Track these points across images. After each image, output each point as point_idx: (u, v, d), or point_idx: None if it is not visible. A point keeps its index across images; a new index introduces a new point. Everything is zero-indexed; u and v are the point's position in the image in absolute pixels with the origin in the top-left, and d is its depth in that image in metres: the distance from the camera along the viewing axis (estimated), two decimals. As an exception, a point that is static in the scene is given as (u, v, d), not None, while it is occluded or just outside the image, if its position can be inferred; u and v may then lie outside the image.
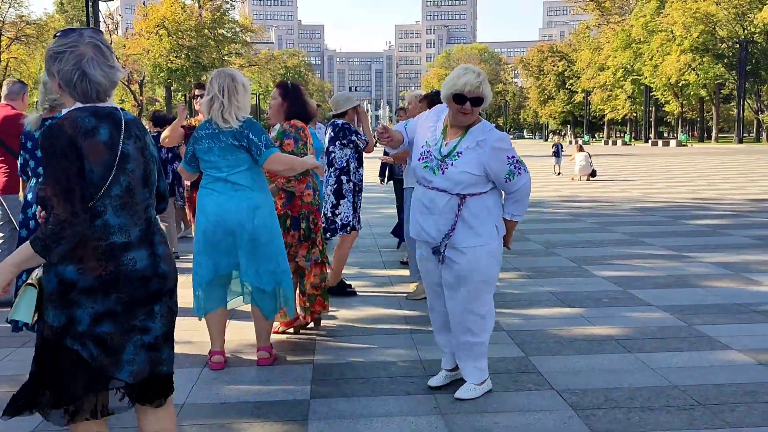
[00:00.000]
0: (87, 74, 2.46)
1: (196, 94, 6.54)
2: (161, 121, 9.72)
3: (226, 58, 55.59)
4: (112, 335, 2.51)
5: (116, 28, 56.27)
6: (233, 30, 56.47)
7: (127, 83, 50.97)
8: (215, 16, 51.46)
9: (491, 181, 3.87)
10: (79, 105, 2.51)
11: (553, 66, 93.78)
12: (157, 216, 2.73)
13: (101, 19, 48.57)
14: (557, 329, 5.50)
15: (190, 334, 5.47)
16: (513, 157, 3.85)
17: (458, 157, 3.82)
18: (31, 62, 53.80)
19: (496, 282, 4.26)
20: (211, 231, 4.49)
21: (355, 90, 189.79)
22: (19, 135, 5.78)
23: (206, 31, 50.93)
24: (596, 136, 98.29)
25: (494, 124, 9.73)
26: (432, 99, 6.75)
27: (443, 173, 3.83)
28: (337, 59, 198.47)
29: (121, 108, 2.64)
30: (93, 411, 2.55)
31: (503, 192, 3.96)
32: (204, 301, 4.64)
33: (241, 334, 5.46)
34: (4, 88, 6.37)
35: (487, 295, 4.01)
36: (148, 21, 49.07)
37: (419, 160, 3.92)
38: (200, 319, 4.74)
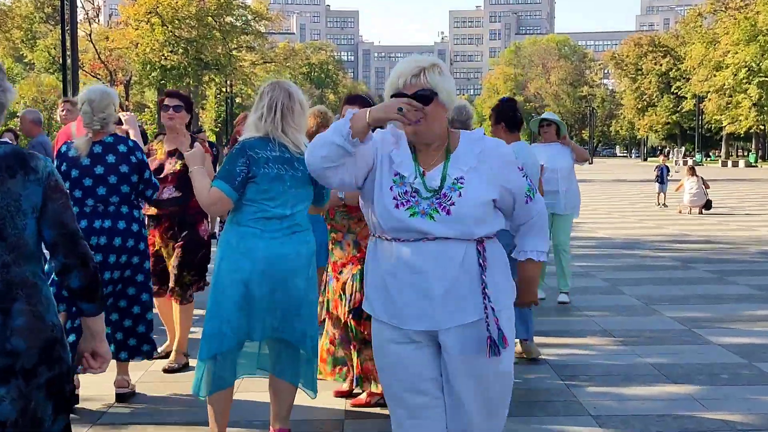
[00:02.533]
0: None
1: (169, 105, 6.49)
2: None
3: (234, 53, 56.46)
4: None
5: (97, 15, 57.72)
6: (244, 18, 57.48)
7: (109, 84, 52.10)
8: (221, 2, 52.43)
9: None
10: None
11: (655, 64, 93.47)
12: (37, 277, 2.79)
13: (79, 4, 49.82)
14: (660, 415, 5.46)
15: (186, 406, 5.52)
16: (522, 168, 3.45)
17: (461, 183, 3.29)
18: (-11, 57, 55.32)
19: None
20: (257, 282, 4.55)
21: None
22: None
23: (210, 19, 51.83)
24: (711, 154, 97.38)
25: (571, 139, 9.83)
26: (502, 111, 6.72)
27: (448, 213, 3.24)
28: (375, 54, 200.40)
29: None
30: None
31: (512, 224, 3.53)
32: (215, 374, 4.63)
33: (240, 411, 5.50)
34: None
35: (509, 398, 3.52)
36: (137, 7, 50.11)
37: (397, 207, 3.27)
38: (201, 398, 4.78)
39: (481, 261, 3.27)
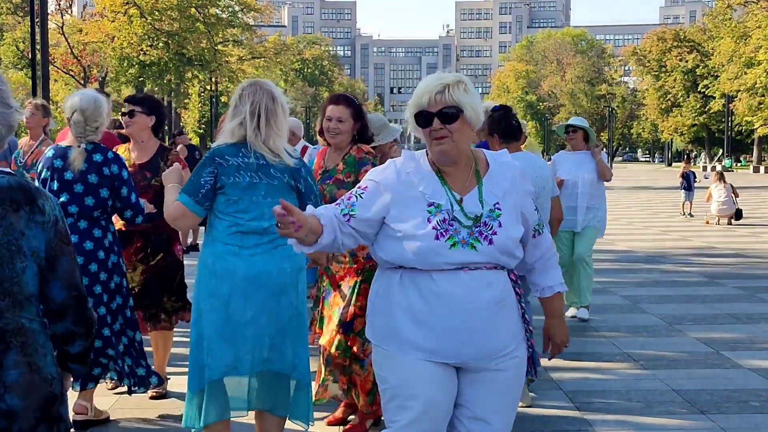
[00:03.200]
0: None
1: (124, 111, 6.41)
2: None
3: (219, 47, 56.50)
4: None
5: (70, 5, 57.78)
6: (230, 9, 57.62)
7: (82, 82, 52.19)
8: (206, -10, 52.69)
9: None
10: None
11: (680, 60, 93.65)
12: (33, 325, 2.72)
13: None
14: (684, 446, 5.44)
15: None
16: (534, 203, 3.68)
17: (499, 209, 3.46)
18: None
19: None
20: (239, 304, 4.51)
21: (399, 92, 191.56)
22: None
23: (193, 10, 51.89)
24: (742, 159, 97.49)
25: (596, 143, 9.81)
26: (494, 122, 6.65)
27: (491, 242, 3.40)
28: (374, 49, 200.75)
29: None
30: None
31: (525, 261, 3.66)
32: (206, 408, 4.59)
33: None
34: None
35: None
36: (114, -3, 50.42)
37: (438, 238, 3.37)
38: (188, 427, 4.75)
39: (517, 289, 3.50)
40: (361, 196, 3.45)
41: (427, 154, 3.53)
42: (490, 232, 3.39)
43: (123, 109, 6.43)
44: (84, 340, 2.85)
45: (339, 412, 5.83)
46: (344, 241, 3.42)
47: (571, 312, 9.38)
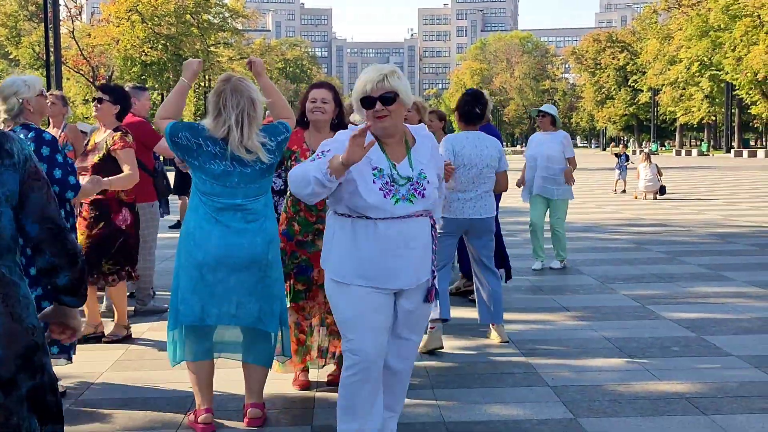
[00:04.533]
0: None
1: (95, 96, 6.67)
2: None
3: (212, 49, 56.09)
4: None
5: (80, 12, 57.05)
6: (221, 15, 57.19)
7: (91, 80, 51.58)
8: (199, 0, 52.13)
9: None
10: None
11: (613, 59, 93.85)
12: (12, 274, 2.48)
13: (62, 2, 49.23)
14: (614, 385, 5.49)
15: (155, 388, 5.49)
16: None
17: (424, 172, 3.88)
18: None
19: None
20: (210, 269, 4.51)
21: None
22: (144, 141, 7.44)
23: (188, 16, 51.53)
24: (666, 144, 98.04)
25: (563, 132, 10.03)
26: (458, 105, 6.71)
27: (423, 196, 3.85)
28: (348, 50, 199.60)
29: None
30: None
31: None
32: (184, 345, 4.65)
33: (222, 384, 5.47)
34: None
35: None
36: (118, 4, 49.68)
37: (385, 197, 3.77)
38: (172, 366, 4.77)
39: (433, 233, 3.98)
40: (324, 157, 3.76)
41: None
42: (421, 188, 3.84)
43: (94, 94, 6.60)
44: (68, 271, 2.57)
45: (303, 376, 5.56)
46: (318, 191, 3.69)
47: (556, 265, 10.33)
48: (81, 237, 6.53)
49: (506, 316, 7.32)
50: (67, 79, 55.25)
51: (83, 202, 6.50)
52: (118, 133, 6.50)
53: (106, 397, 5.37)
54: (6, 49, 63.35)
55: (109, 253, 6.60)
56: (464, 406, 5.09)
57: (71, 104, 61.67)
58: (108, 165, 6.42)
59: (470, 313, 7.43)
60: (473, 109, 6.53)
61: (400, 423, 4.57)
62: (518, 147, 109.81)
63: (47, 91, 6.81)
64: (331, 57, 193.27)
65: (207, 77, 57.29)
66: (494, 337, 6.67)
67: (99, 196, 6.50)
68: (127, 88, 7.27)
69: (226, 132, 4.48)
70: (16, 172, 2.46)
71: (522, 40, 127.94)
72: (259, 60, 5.05)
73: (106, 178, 6.13)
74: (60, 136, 7.34)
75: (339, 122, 5.33)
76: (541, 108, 10.35)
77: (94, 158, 6.51)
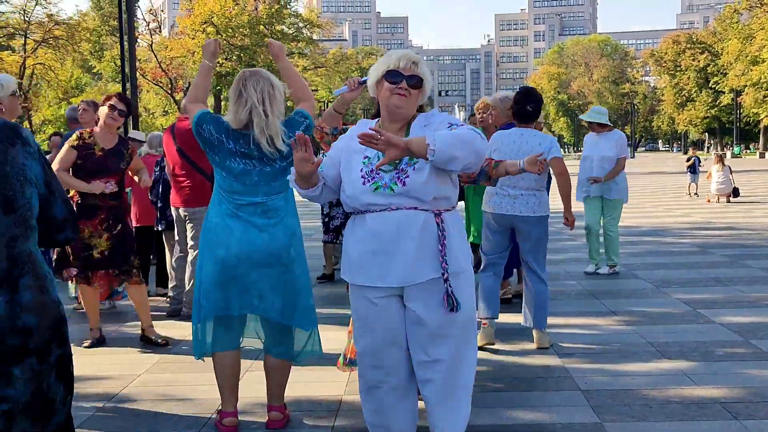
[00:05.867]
0: None
1: (119, 107, 6.85)
2: None
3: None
4: None
5: (159, 26, 58.25)
6: (295, 26, 57.71)
7: (169, 91, 52.62)
8: (273, 10, 52.66)
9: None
10: None
11: (693, 60, 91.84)
12: (37, 251, 2.67)
13: (141, 16, 50.29)
14: (648, 389, 5.37)
15: (190, 390, 5.57)
16: (458, 125, 3.65)
17: (416, 159, 3.57)
18: (61, 69, 56.17)
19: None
20: (232, 265, 4.56)
21: (446, 94, 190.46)
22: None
23: (261, 27, 52.10)
24: (751, 147, 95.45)
25: (619, 132, 9.93)
26: (516, 102, 6.67)
27: (404, 184, 3.58)
28: (424, 57, 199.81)
29: None
30: None
31: None
32: (208, 338, 4.70)
33: (250, 390, 5.52)
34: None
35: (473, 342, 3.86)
36: (194, 17, 50.61)
37: (364, 184, 3.64)
38: (197, 359, 4.82)
39: (439, 231, 3.61)
40: (327, 156, 3.83)
41: (376, 123, 3.82)
42: (404, 176, 3.60)
43: (113, 103, 6.79)
44: (73, 242, 2.94)
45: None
46: (326, 194, 3.80)
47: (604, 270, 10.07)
48: (100, 239, 6.73)
49: (550, 320, 7.24)
50: (147, 91, 56.58)
51: (99, 205, 6.72)
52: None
53: (139, 398, 5.47)
54: (90, 63, 65.16)
55: (133, 249, 6.88)
56: (489, 410, 5.04)
57: (151, 115, 63.00)
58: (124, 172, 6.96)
59: (511, 317, 7.37)
60: (524, 107, 6.50)
61: (420, 423, 4.57)
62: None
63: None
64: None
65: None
66: (535, 342, 6.59)
67: (113, 203, 6.75)
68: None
69: (248, 114, 4.52)
70: (35, 159, 2.68)
71: (600, 44, 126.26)
72: (278, 42, 5.08)
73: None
74: None
75: None
76: (581, 116, 10.38)
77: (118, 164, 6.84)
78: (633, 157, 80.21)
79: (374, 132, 3.31)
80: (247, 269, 4.56)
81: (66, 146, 6.74)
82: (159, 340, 6.89)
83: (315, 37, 62.84)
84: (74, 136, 6.80)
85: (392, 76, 3.65)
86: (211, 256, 4.60)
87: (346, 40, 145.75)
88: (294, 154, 3.53)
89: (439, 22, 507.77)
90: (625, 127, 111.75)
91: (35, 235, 2.66)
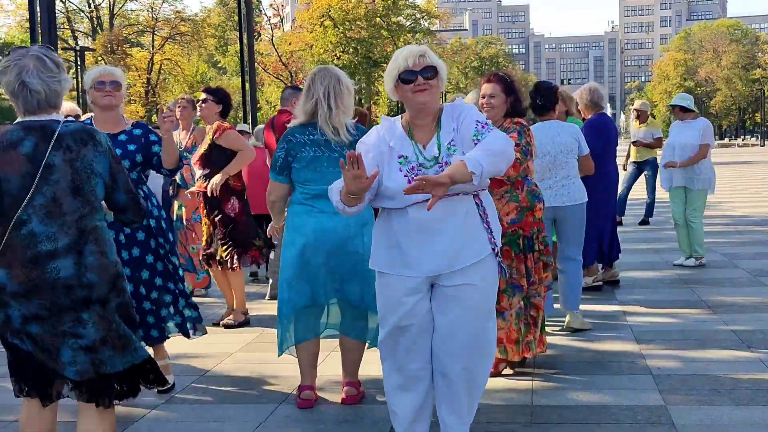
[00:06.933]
0: (26, 84, 3.29)
1: (201, 98, 7.16)
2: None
3: (403, 50, 56.81)
4: (42, 337, 3.32)
5: (281, 20, 59.51)
6: (413, 17, 57.93)
7: (290, 85, 53.66)
8: (389, 2, 53.01)
9: None
10: (20, 119, 3.32)
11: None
12: (101, 225, 3.42)
13: (262, 9, 51.45)
14: (721, 375, 5.41)
15: (278, 368, 5.90)
16: (483, 123, 3.72)
17: (453, 145, 3.71)
18: (186, 64, 58.08)
19: None
20: (311, 253, 4.87)
21: (569, 83, 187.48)
22: None
23: (378, 20, 52.57)
24: None
25: (704, 120, 9.73)
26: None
27: None
28: (546, 46, 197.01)
29: (68, 120, 3.39)
30: (48, 396, 3.45)
31: None
32: (294, 332, 5.04)
33: (328, 369, 5.80)
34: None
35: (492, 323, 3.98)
36: (312, 11, 51.47)
37: (410, 182, 3.59)
38: (280, 355, 5.18)
39: (481, 212, 3.78)
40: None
41: (401, 119, 3.86)
42: (446, 165, 3.63)
43: (198, 96, 7.19)
44: (137, 222, 3.68)
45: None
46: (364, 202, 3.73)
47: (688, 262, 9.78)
48: (204, 226, 7.20)
49: (632, 307, 7.30)
50: (269, 84, 57.91)
51: (200, 193, 7.12)
52: (215, 124, 7.07)
53: (228, 374, 5.86)
54: (215, 58, 67.18)
55: (220, 239, 7.15)
56: (556, 392, 5.19)
57: (273, 108, 64.46)
58: (214, 154, 7.00)
59: (597, 305, 7.45)
60: (534, 101, 6.59)
61: (488, 404, 4.78)
62: (726, 140, 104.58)
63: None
64: (528, 53, 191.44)
65: (399, 79, 58.09)
66: (566, 323, 6.73)
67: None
68: (288, 91, 7.66)
69: (313, 106, 4.84)
70: (105, 157, 3.42)
71: (729, 28, 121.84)
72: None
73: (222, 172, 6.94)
74: (189, 137, 8.00)
75: (513, 110, 5.41)
76: (672, 103, 10.04)
77: (200, 150, 7.17)
78: (763, 145, 77.18)
79: (417, 183, 3.36)
80: (324, 258, 4.86)
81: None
82: (235, 323, 7.27)
83: (434, 27, 62.85)
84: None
85: (406, 76, 3.70)
86: (291, 249, 4.93)
87: (466, 29, 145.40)
88: (343, 173, 3.48)
89: (560, 9, 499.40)
90: (756, 114, 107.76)
91: (101, 213, 3.43)
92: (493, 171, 3.53)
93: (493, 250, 3.80)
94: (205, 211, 7.18)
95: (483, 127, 3.69)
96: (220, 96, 7.26)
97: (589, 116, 8.30)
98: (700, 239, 9.76)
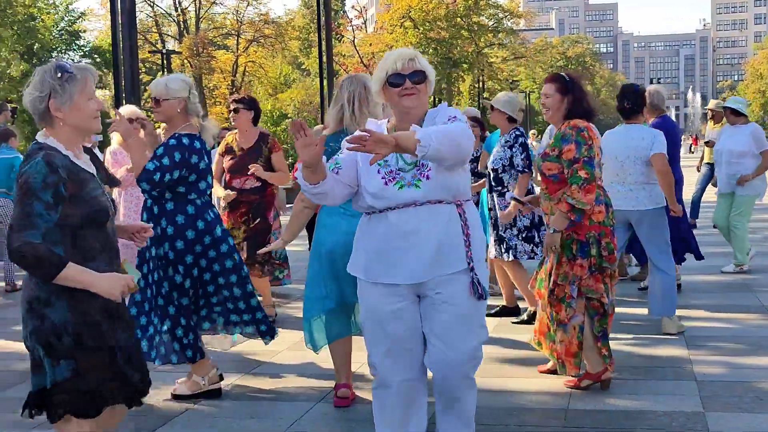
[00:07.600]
0: None
1: (232, 108, 7.31)
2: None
3: (485, 50, 56.73)
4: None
5: (364, 23, 59.92)
6: (495, 17, 57.62)
7: (372, 86, 53.87)
8: (470, 2, 52.82)
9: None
10: None
11: None
12: None
13: (346, 11, 51.71)
14: (765, 383, 5.30)
15: (324, 364, 5.99)
16: (453, 117, 3.66)
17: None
18: (270, 66, 58.90)
19: None
20: (340, 253, 4.91)
21: (658, 81, 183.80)
22: None
23: (459, 20, 52.49)
24: None
25: (754, 125, 9.47)
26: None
27: (428, 178, 3.60)
28: (635, 44, 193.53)
29: None
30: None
31: None
32: (326, 330, 5.14)
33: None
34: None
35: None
36: (392, 12, 51.65)
37: (386, 184, 3.63)
38: (317, 352, 5.28)
39: (463, 222, 3.68)
40: (342, 154, 3.76)
41: (387, 123, 3.85)
42: (426, 170, 3.62)
43: (230, 106, 7.33)
44: None
45: (550, 365, 5.61)
46: (338, 190, 3.67)
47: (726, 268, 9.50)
48: (238, 231, 7.31)
49: (694, 313, 7.20)
50: (348, 86, 58.25)
51: (241, 200, 7.28)
52: (270, 139, 7.38)
53: (272, 373, 5.99)
54: (299, 60, 67.94)
55: (263, 245, 7.10)
56: (594, 396, 5.16)
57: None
58: (248, 161, 7.25)
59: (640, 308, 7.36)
60: (621, 105, 6.55)
61: (522, 406, 4.79)
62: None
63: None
64: (617, 52, 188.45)
65: (480, 79, 57.93)
66: (663, 328, 6.62)
67: (254, 197, 7.27)
68: None
69: (339, 110, 4.96)
70: None
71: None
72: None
73: (267, 173, 7.22)
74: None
75: (572, 109, 5.25)
76: (725, 105, 9.76)
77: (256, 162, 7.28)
78: None
79: (362, 133, 3.26)
80: None
81: (216, 155, 7.39)
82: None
83: (518, 27, 62.41)
84: (221, 144, 7.48)
85: (394, 79, 3.66)
86: (320, 250, 5.04)
87: (553, 29, 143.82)
88: (295, 144, 3.40)
89: (650, 7, 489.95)
90: None
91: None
92: (442, 153, 3.38)
93: (469, 264, 3.66)
94: (244, 218, 7.32)
95: (450, 120, 3.65)
96: (250, 104, 7.41)
97: (651, 120, 8.19)
98: (742, 245, 9.46)
